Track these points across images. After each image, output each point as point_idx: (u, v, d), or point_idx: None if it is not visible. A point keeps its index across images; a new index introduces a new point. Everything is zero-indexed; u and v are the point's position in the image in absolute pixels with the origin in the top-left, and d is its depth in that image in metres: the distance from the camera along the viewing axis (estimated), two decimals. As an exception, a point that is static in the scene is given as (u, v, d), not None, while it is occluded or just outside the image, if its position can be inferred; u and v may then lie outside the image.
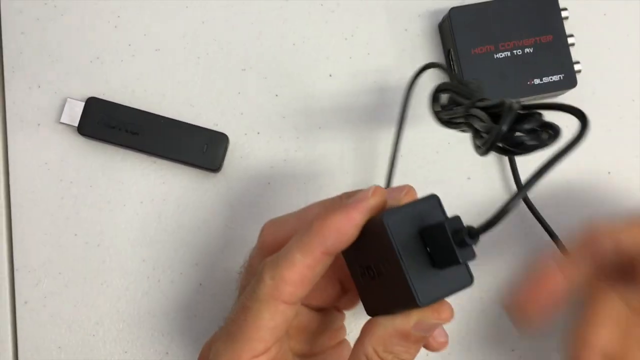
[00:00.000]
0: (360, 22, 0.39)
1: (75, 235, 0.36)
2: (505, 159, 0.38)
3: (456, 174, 0.38)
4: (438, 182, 0.38)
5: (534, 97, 0.37)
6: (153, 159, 0.37)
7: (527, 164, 0.38)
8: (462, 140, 0.38)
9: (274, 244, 0.28)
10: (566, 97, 0.38)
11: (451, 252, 0.22)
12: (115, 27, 0.38)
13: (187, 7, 0.38)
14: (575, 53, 0.37)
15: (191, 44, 0.38)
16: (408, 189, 0.27)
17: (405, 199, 0.26)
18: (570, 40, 0.37)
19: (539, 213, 0.37)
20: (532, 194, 0.37)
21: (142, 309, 0.36)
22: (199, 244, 0.37)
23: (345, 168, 0.38)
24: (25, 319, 0.36)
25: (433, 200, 0.24)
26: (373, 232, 0.24)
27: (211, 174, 0.37)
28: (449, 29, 0.37)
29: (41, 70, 0.37)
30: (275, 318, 0.25)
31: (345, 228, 0.24)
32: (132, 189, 0.37)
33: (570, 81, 0.37)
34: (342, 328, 0.33)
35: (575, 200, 0.38)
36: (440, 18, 0.39)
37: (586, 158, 0.38)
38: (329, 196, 0.38)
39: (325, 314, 0.31)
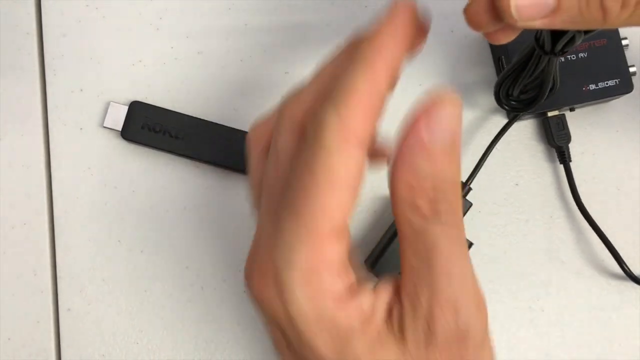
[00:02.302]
0: (406, 24, 0.38)
1: (119, 241, 0.36)
2: (558, 166, 0.37)
3: (504, 179, 0.37)
4: (484, 188, 0.37)
5: (590, 102, 0.36)
6: (196, 163, 0.36)
7: (578, 168, 0.37)
8: (509, 144, 0.37)
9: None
10: (622, 102, 0.37)
11: None
12: (157, 29, 0.37)
13: (229, 8, 0.38)
14: (629, 55, 0.36)
15: (234, 46, 0.37)
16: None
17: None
18: (624, 42, 0.36)
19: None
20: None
21: (186, 316, 0.36)
22: (241, 250, 0.36)
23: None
24: (69, 326, 0.35)
25: None
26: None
27: (255, 180, 0.37)
28: (500, 32, 0.36)
29: (83, 74, 0.37)
30: (349, 166, 0.19)
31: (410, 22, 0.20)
32: (174, 194, 0.36)
33: (626, 86, 0.36)
34: None
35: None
36: (488, 20, 0.38)
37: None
38: (381, 204, 0.37)
39: None
